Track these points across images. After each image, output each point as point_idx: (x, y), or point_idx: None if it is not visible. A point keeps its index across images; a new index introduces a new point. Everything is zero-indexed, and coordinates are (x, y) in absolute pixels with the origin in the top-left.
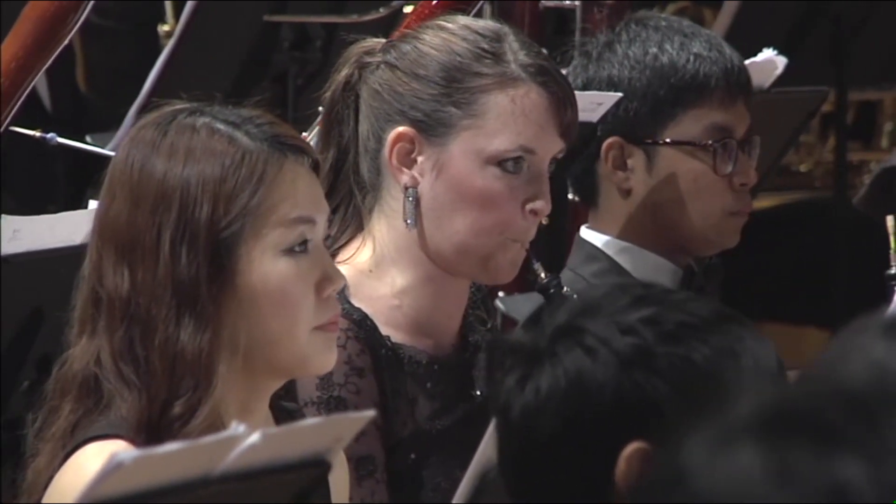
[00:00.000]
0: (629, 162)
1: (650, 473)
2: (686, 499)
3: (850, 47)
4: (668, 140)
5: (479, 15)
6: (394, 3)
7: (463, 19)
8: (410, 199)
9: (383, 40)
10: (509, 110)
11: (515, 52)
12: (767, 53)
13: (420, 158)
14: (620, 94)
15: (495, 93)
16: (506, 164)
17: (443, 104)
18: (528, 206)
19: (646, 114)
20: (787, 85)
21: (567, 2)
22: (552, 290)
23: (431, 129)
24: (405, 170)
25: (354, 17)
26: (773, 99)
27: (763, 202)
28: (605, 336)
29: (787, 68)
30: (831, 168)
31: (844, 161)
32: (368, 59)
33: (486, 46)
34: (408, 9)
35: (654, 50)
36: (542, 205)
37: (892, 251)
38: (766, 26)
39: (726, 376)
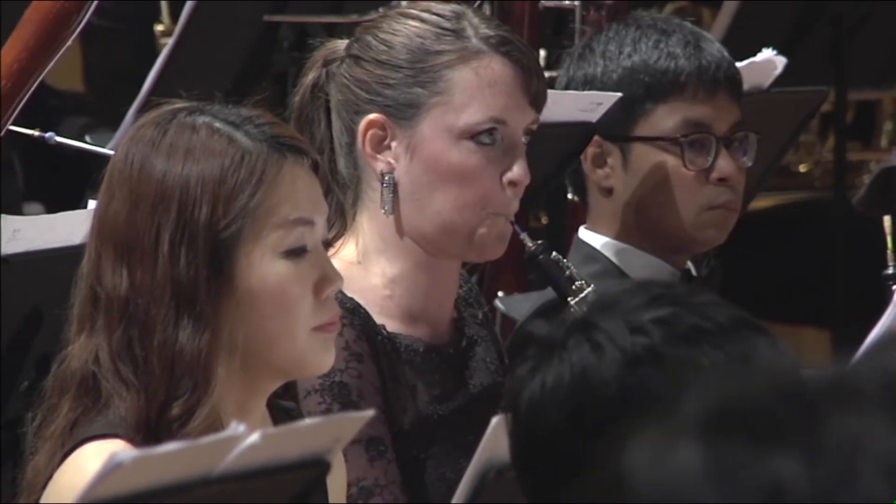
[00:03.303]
0: (609, 160)
1: (589, 477)
2: (627, 500)
3: (850, 47)
4: (638, 136)
5: (469, 5)
6: (394, 3)
7: (423, 4)
8: (388, 185)
9: (347, 40)
10: (475, 83)
11: (476, 26)
12: (767, 53)
13: (393, 143)
14: (620, 94)
15: (459, 67)
16: (479, 136)
17: (409, 86)
18: (506, 177)
19: (619, 111)
20: (787, 85)
21: (567, 1)
22: (540, 257)
23: (401, 112)
24: (379, 157)
25: (354, 17)
26: (773, 99)
27: (763, 202)
28: (614, 334)
29: (787, 68)
30: (831, 168)
31: (844, 161)
32: (333, 57)
33: (446, 25)
34: None
35: (629, 48)
36: (520, 174)
37: (889, 251)
38: (766, 26)
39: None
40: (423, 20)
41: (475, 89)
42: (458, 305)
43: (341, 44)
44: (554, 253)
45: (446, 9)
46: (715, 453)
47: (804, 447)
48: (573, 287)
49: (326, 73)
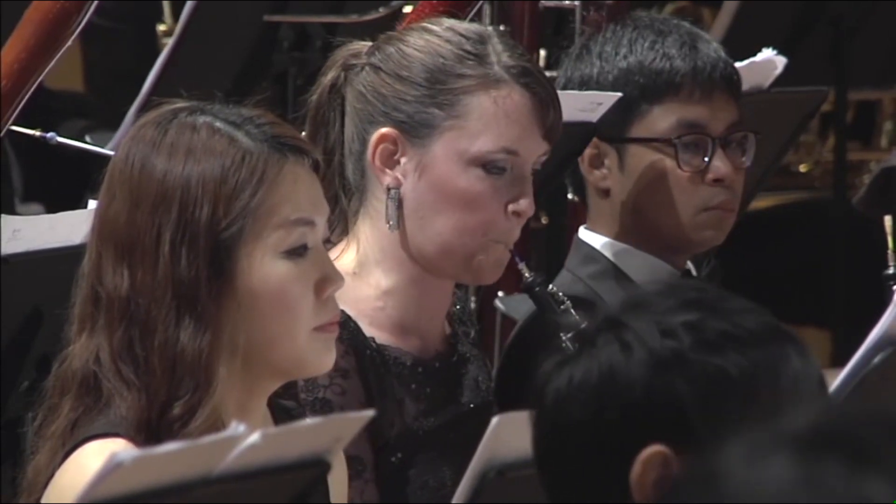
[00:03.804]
0: (606, 161)
1: (682, 473)
2: (715, 500)
3: (850, 47)
4: (633, 137)
5: (478, 15)
6: (394, 3)
7: (448, 21)
8: (393, 200)
9: (369, 43)
10: (492, 111)
11: (499, 53)
12: (767, 53)
13: (403, 160)
14: (620, 94)
15: (478, 94)
16: (489, 165)
17: (426, 105)
18: (511, 207)
19: (615, 112)
20: (787, 85)
21: (567, 1)
22: (537, 289)
23: (414, 130)
24: (388, 171)
25: (354, 17)
26: (773, 99)
27: (763, 202)
28: (644, 335)
29: (787, 68)
30: (831, 168)
31: (844, 161)
32: (354, 62)
33: (469, 48)
34: (408, 9)
35: (625, 49)
36: (526, 205)
37: (889, 251)
38: (766, 26)
39: (761, 391)
40: (446, 39)
41: (491, 118)
42: (452, 322)
43: (363, 47)
44: (551, 286)
45: (471, 30)
46: (810, 469)
47: None
48: (568, 322)
49: (345, 76)
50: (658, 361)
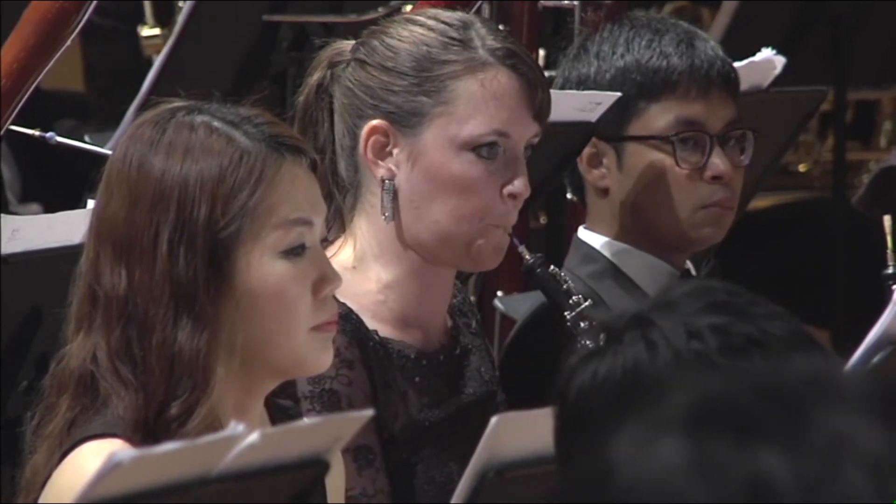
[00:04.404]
0: (604, 160)
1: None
2: (611, 495)
3: (850, 47)
4: (631, 135)
5: (478, 15)
6: (393, 3)
7: (430, 11)
8: (388, 191)
9: (353, 41)
10: (479, 95)
11: (483, 37)
12: (766, 53)
13: (395, 150)
14: (619, 94)
15: (465, 78)
16: (480, 149)
17: (414, 94)
18: (507, 190)
19: (613, 111)
20: (786, 85)
21: (566, 1)
22: (538, 270)
23: (404, 119)
24: (381, 163)
25: (353, 17)
26: (772, 99)
27: (762, 202)
28: (670, 335)
29: (786, 68)
30: (830, 168)
31: (843, 161)
32: (339, 59)
33: (453, 34)
34: (407, 8)
35: (622, 48)
36: (520, 186)
37: (889, 251)
38: (765, 26)
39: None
40: (430, 28)
41: (479, 101)
42: (453, 314)
43: (347, 45)
44: (552, 266)
45: (454, 17)
46: (699, 448)
47: (788, 443)
48: (570, 301)
49: (331, 74)
50: (682, 363)
